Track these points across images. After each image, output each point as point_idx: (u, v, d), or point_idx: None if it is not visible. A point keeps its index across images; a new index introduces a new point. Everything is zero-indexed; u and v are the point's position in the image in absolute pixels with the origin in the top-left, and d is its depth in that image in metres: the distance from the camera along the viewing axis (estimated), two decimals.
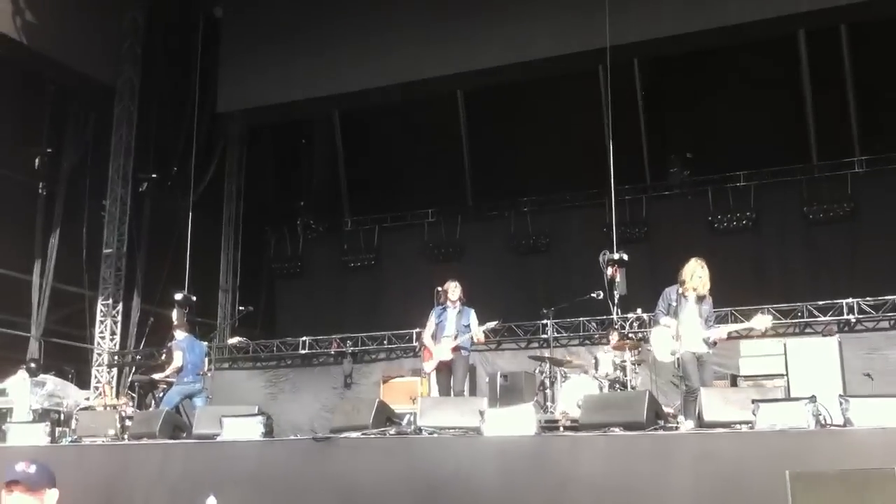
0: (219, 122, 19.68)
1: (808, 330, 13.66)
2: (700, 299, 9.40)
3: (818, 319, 13.69)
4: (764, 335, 12.07)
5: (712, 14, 15.41)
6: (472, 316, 10.93)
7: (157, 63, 18.80)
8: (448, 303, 10.96)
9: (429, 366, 11.09)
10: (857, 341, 13.01)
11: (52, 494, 3.59)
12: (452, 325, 10.88)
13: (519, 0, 16.51)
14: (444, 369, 10.92)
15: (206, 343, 13.64)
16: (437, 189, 19.65)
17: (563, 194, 18.66)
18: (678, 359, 9.29)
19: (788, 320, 13.56)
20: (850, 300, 13.58)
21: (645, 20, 15.65)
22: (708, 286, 9.45)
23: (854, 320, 13.51)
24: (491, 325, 11.06)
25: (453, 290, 10.98)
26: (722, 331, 9.47)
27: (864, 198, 16.31)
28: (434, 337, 10.97)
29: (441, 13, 17.24)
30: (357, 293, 19.85)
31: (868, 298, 13.53)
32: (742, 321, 12.21)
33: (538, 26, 16.34)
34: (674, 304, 9.43)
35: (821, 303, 13.80)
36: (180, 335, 12.80)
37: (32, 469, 3.55)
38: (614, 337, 11.89)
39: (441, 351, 10.83)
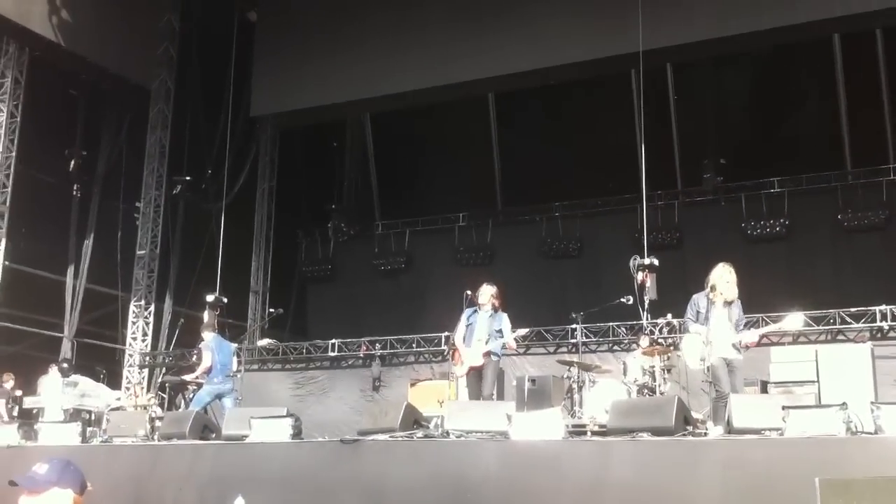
0: (252, 126, 19.83)
1: (840, 337, 13.50)
2: (728, 304, 9.34)
3: (850, 326, 13.52)
4: (795, 341, 11.97)
5: (746, 18, 15.28)
6: (506, 321, 10.71)
7: (191, 66, 18.98)
8: (478, 305, 10.85)
9: (460, 370, 11.01)
10: (890, 348, 12.84)
11: (61, 495, 3.51)
12: (484, 329, 10.70)
13: (551, 3, 16.46)
14: (475, 374, 10.84)
15: (234, 344, 13.71)
16: (468, 193, 19.67)
17: (594, 199, 18.59)
18: (709, 366, 9.24)
19: (820, 327, 13.41)
20: (883, 307, 13.39)
21: (678, 25, 15.56)
22: (736, 291, 9.37)
23: (887, 327, 13.32)
24: (522, 332, 10.93)
25: (483, 293, 10.83)
26: (753, 334, 9.39)
27: None
28: (464, 340, 10.89)
29: (473, 17, 17.24)
30: (388, 297, 19.89)
31: None
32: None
33: (570, 30, 16.29)
34: (702, 310, 9.37)
35: (853, 309, 13.62)
36: (208, 336, 12.85)
37: (43, 469, 3.54)
38: (644, 342, 11.83)
39: (472, 356, 10.73)
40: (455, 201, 19.66)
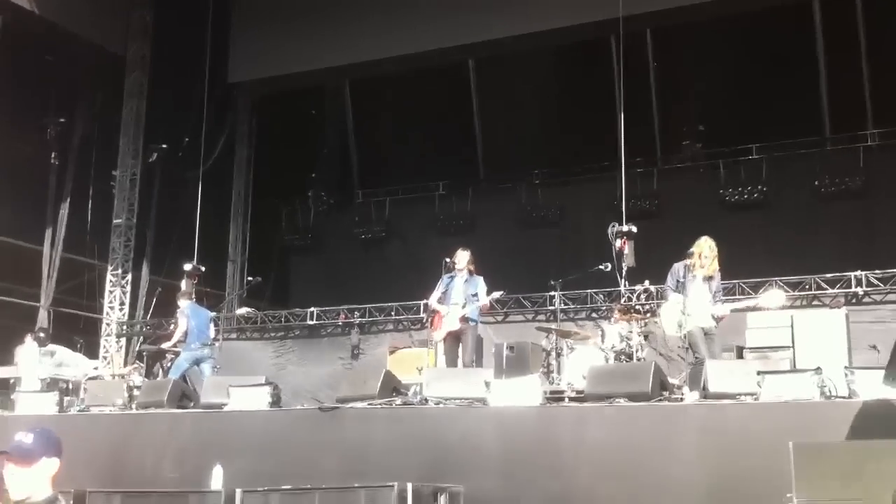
0: (230, 93, 19.66)
1: (815, 302, 13.60)
2: (707, 278, 9.48)
3: (826, 292, 13.62)
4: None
5: None
6: (481, 284, 10.93)
7: (168, 33, 18.70)
8: (455, 270, 10.98)
9: (438, 335, 11.12)
10: (865, 314, 12.95)
11: (48, 464, 3.55)
12: (460, 293, 10.88)
13: None
14: (453, 340, 10.93)
15: (213, 312, 13.69)
16: (448, 161, 19.57)
17: (574, 167, 18.55)
18: (686, 333, 9.35)
19: (796, 292, 13.50)
20: (858, 273, 13.47)
21: None
22: (716, 266, 9.54)
23: (862, 293, 13.41)
24: (496, 295, 11.08)
25: (461, 258, 10.98)
26: (726, 308, 9.53)
27: (877, 171, 16.15)
28: (443, 301, 11.02)
29: None
30: (368, 265, 19.84)
31: (876, 271, 13.41)
32: (750, 293, 12.21)
33: None
34: (682, 280, 9.50)
35: (829, 275, 13.71)
36: (183, 303, 12.96)
37: (29, 439, 3.53)
38: (621, 309, 11.86)
39: (450, 320, 10.84)
40: (435, 169, 19.57)
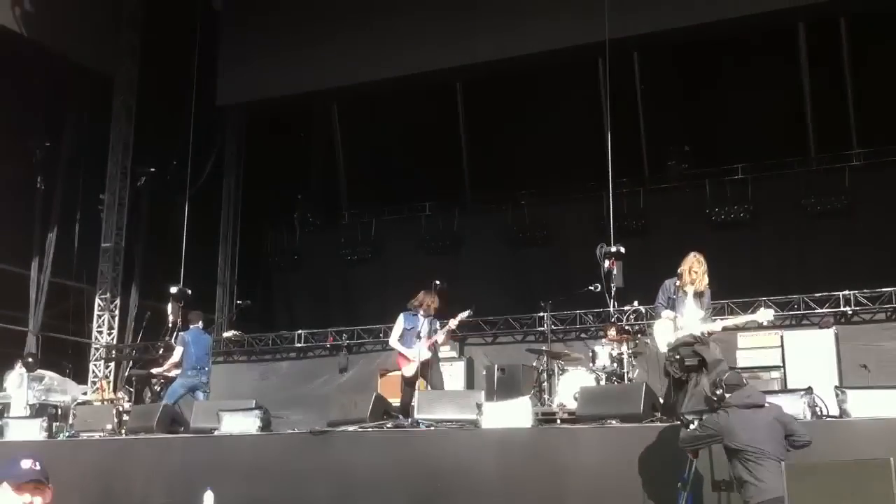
0: (218, 116, 19.67)
1: (804, 322, 13.64)
2: (698, 294, 9.45)
3: (815, 311, 13.67)
4: (761, 326, 12.10)
5: (712, 6, 15.44)
6: (440, 324, 11.06)
7: (156, 56, 18.74)
8: (420, 311, 10.95)
9: (409, 370, 10.88)
10: (854, 333, 13.01)
11: (50, 492, 3.56)
12: (425, 331, 10.87)
13: None
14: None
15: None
16: (435, 182, 19.57)
17: (561, 187, 18.57)
18: None
19: (785, 312, 13.53)
20: (846, 292, 13.55)
21: (644, 13, 15.67)
22: (706, 281, 9.49)
23: (850, 312, 13.48)
24: (464, 315, 11.03)
25: (435, 301, 11.04)
26: (717, 325, 9.51)
27: (862, 191, 16.23)
28: (402, 340, 11.00)
29: (441, 5, 17.31)
30: (355, 286, 19.79)
31: (865, 290, 13.51)
32: (739, 313, 12.26)
33: (538, 19, 16.34)
34: (673, 297, 9.48)
35: (817, 295, 13.76)
36: (189, 327, 12.82)
37: (38, 467, 3.52)
38: (611, 330, 11.89)
39: (422, 353, 10.74)
40: (422, 190, 19.58)
